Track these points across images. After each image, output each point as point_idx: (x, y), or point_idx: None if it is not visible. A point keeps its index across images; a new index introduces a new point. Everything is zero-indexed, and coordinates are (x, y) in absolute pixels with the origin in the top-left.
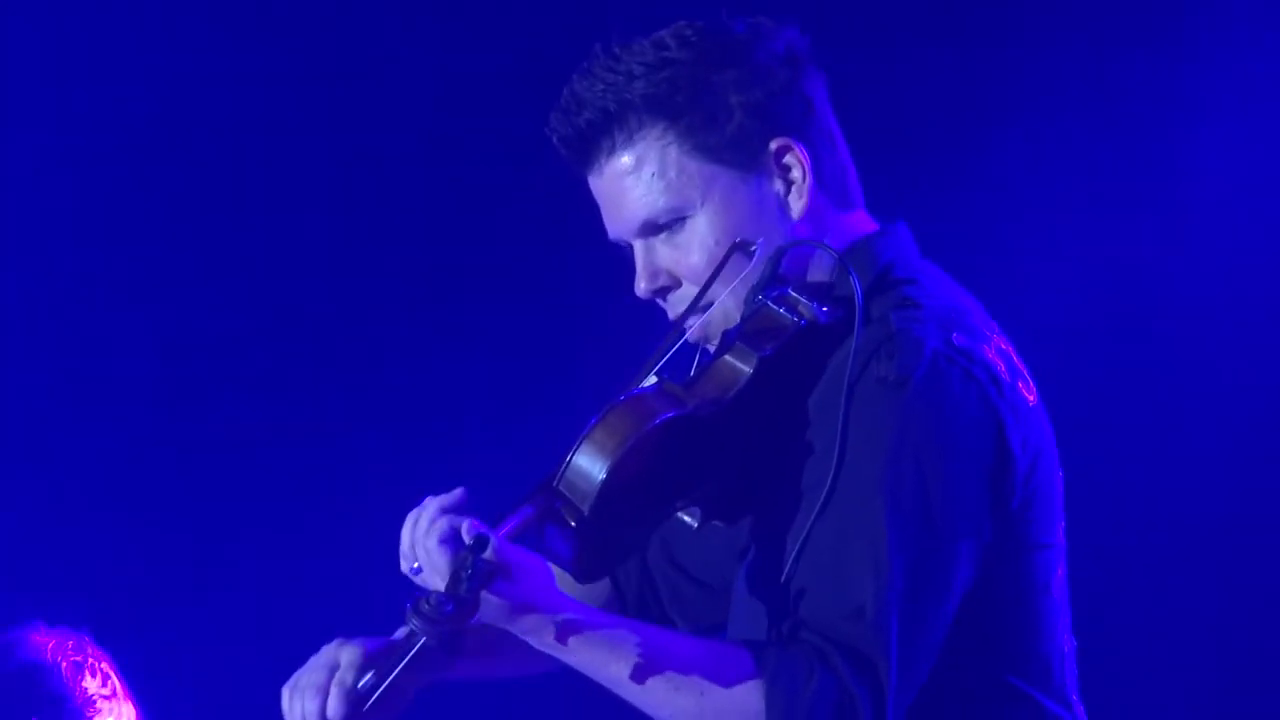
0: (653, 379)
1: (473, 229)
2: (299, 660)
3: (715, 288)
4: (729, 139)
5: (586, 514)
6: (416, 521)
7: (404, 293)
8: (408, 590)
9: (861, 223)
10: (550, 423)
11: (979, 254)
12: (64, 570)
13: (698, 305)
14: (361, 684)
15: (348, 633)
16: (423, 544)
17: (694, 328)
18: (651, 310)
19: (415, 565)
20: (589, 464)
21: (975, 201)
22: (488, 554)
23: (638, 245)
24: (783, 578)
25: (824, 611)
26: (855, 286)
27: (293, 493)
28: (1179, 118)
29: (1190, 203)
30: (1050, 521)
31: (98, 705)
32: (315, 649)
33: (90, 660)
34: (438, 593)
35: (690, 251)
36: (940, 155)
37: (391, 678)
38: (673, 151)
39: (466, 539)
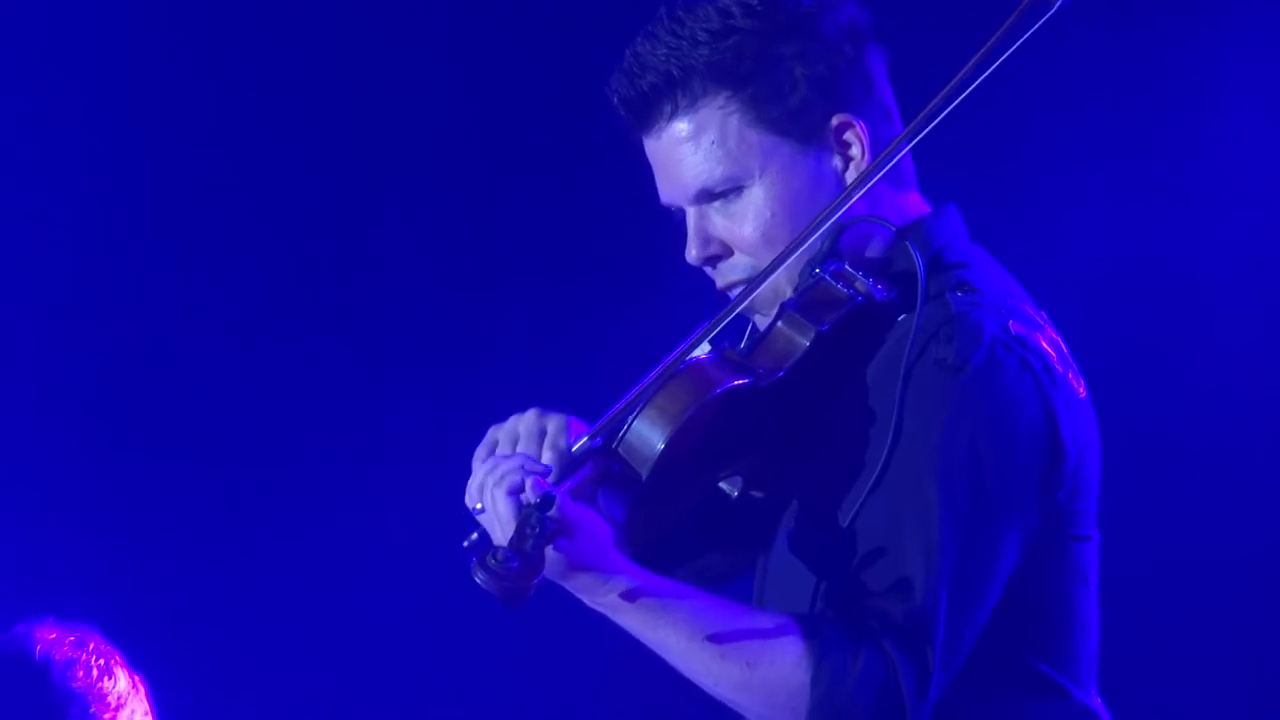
0: (707, 346)
1: (479, 225)
2: (306, 655)
3: (784, 269)
4: (791, 112)
5: (645, 478)
6: (490, 468)
7: (408, 292)
8: (426, 572)
9: (915, 203)
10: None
11: (997, 243)
12: (71, 567)
13: (757, 278)
14: (577, 447)
15: (354, 629)
16: (491, 491)
17: (746, 298)
18: (661, 309)
19: (479, 506)
20: (650, 429)
21: (993, 191)
22: (553, 512)
23: (691, 211)
24: (829, 553)
25: (874, 589)
26: (919, 266)
27: (300, 490)
28: (1199, 107)
29: (1211, 192)
30: (1090, 514)
31: (109, 701)
32: (321, 645)
33: (100, 657)
34: (504, 548)
35: (745, 221)
36: (957, 146)
37: (623, 431)
38: (734, 121)
39: (533, 496)
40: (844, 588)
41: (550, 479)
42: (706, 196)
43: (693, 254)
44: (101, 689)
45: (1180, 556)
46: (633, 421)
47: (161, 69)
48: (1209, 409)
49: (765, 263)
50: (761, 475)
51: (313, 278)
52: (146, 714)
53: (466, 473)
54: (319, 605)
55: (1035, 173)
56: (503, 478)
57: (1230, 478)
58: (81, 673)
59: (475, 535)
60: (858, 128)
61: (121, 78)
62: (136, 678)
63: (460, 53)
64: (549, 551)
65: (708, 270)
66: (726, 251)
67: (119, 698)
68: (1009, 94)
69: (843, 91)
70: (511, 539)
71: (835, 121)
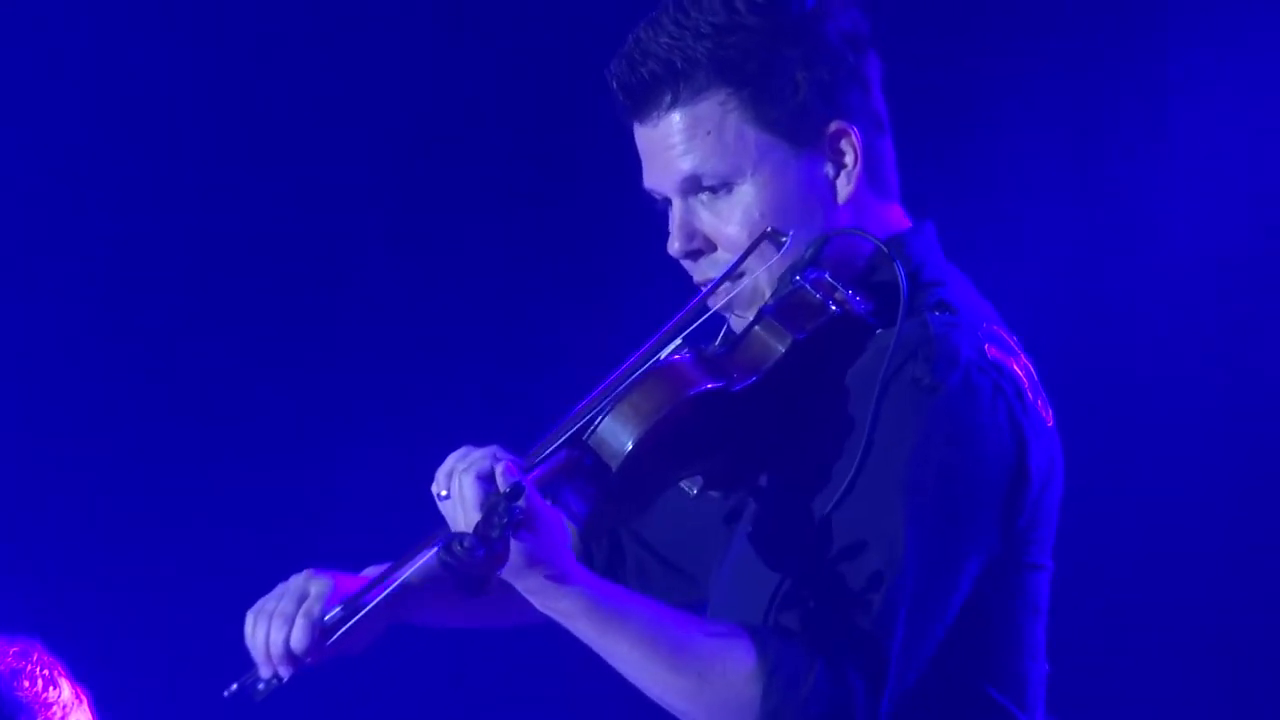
0: (678, 343)
1: (466, 228)
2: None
3: (752, 261)
4: (789, 114)
5: (614, 472)
6: (462, 454)
7: (389, 295)
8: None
9: (897, 216)
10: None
11: (960, 251)
12: (10, 576)
13: (731, 274)
14: (329, 617)
15: None
16: (459, 475)
17: (721, 296)
18: (638, 308)
19: (444, 493)
20: (623, 425)
21: (956, 199)
22: (521, 502)
23: (676, 202)
24: (788, 562)
25: (832, 602)
26: (903, 283)
27: (256, 495)
28: (1160, 112)
29: (1171, 198)
30: (1047, 543)
31: (53, 711)
32: None
33: (44, 667)
34: (470, 535)
35: (731, 219)
36: (921, 152)
37: (363, 613)
38: (733, 117)
39: (502, 484)
40: (801, 599)
41: (521, 469)
42: (695, 186)
43: (675, 246)
44: (47, 699)
45: (1134, 562)
46: (605, 416)
47: (157, 67)
48: (1167, 413)
49: (748, 263)
50: (723, 477)
51: (294, 281)
52: None
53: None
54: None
55: (994, 174)
56: (473, 463)
57: (1189, 481)
58: (28, 683)
59: (235, 686)
60: (853, 135)
61: (111, 74)
62: (79, 689)
63: (443, 51)
64: (511, 543)
65: (686, 264)
66: (709, 247)
67: (64, 708)
68: (968, 100)
69: (841, 98)
70: (478, 526)
71: (832, 128)
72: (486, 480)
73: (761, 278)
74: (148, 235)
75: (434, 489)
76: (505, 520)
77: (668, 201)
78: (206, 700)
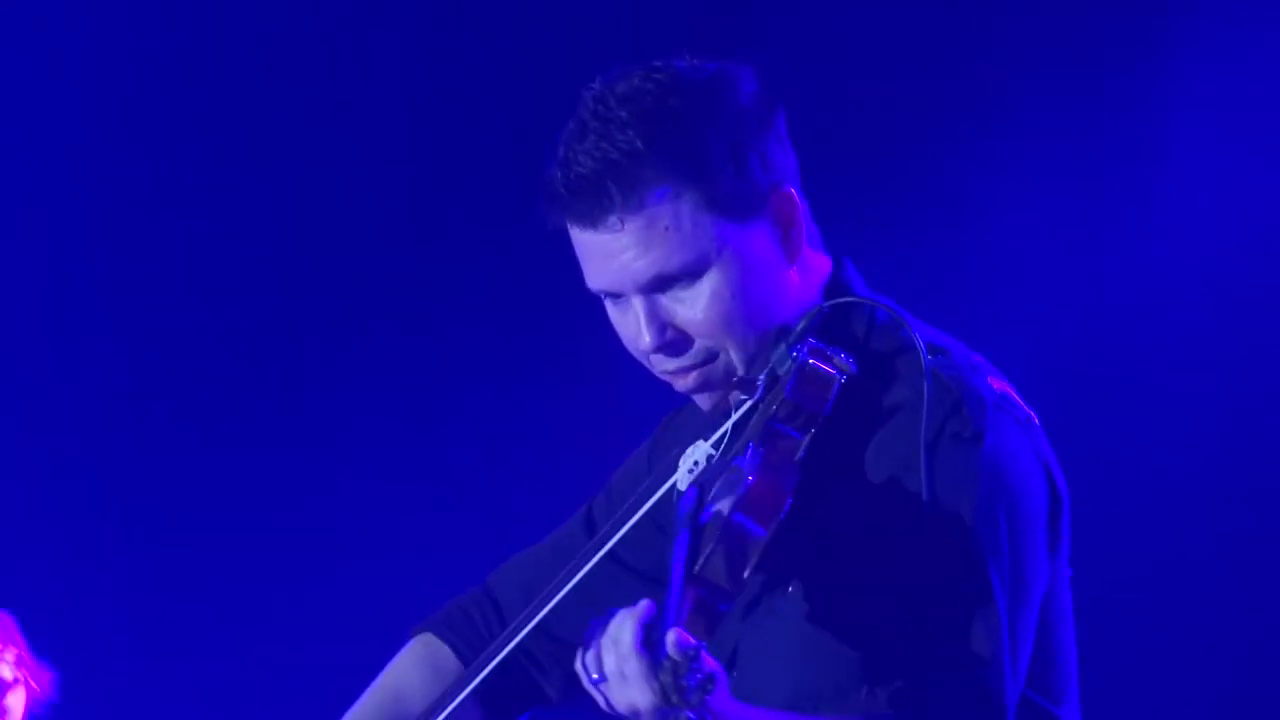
0: (704, 445)
1: (466, 231)
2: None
3: (739, 348)
4: (736, 191)
5: (733, 596)
6: (614, 636)
7: (390, 295)
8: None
9: (823, 261)
10: (535, 424)
11: (956, 256)
12: (10, 576)
13: (749, 369)
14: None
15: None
16: (613, 653)
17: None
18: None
19: (596, 675)
20: (732, 559)
21: (951, 204)
22: (699, 660)
23: (638, 300)
24: (867, 633)
25: (938, 666)
26: (920, 345)
27: (255, 496)
28: (1157, 115)
29: (1168, 200)
30: (1068, 551)
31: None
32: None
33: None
34: (685, 711)
35: (703, 306)
36: (914, 157)
37: None
38: (686, 207)
39: (674, 651)
40: (898, 666)
41: (675, 624)
42: (661, 284)
43: (647, 342)
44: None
45: (1129, 559)
46: (712, 549)
47: (160, 68)
48: (1166, 416)
49: (723, 345)
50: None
51: (293, 282)
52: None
53: (447, 477)
54: (254, 613)
55: (990, 186)
56: (622, 637)
57: (1188, 482)
58: None
59: None
60: (793, 196)
61: (106, 72)
62: (35, 675)
63: (439, 51)
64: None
65: (653, 358)
66: (682, 338)
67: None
68: (965, 105)
69: (775, 161)
70: (675, 698)
71: (774, 194)
72: (649, 649)
73: (743, 354)
74: (148, 235)
75: (584, 672)
76: (700, 680)
77: (614, 296)
78: (206, 700)
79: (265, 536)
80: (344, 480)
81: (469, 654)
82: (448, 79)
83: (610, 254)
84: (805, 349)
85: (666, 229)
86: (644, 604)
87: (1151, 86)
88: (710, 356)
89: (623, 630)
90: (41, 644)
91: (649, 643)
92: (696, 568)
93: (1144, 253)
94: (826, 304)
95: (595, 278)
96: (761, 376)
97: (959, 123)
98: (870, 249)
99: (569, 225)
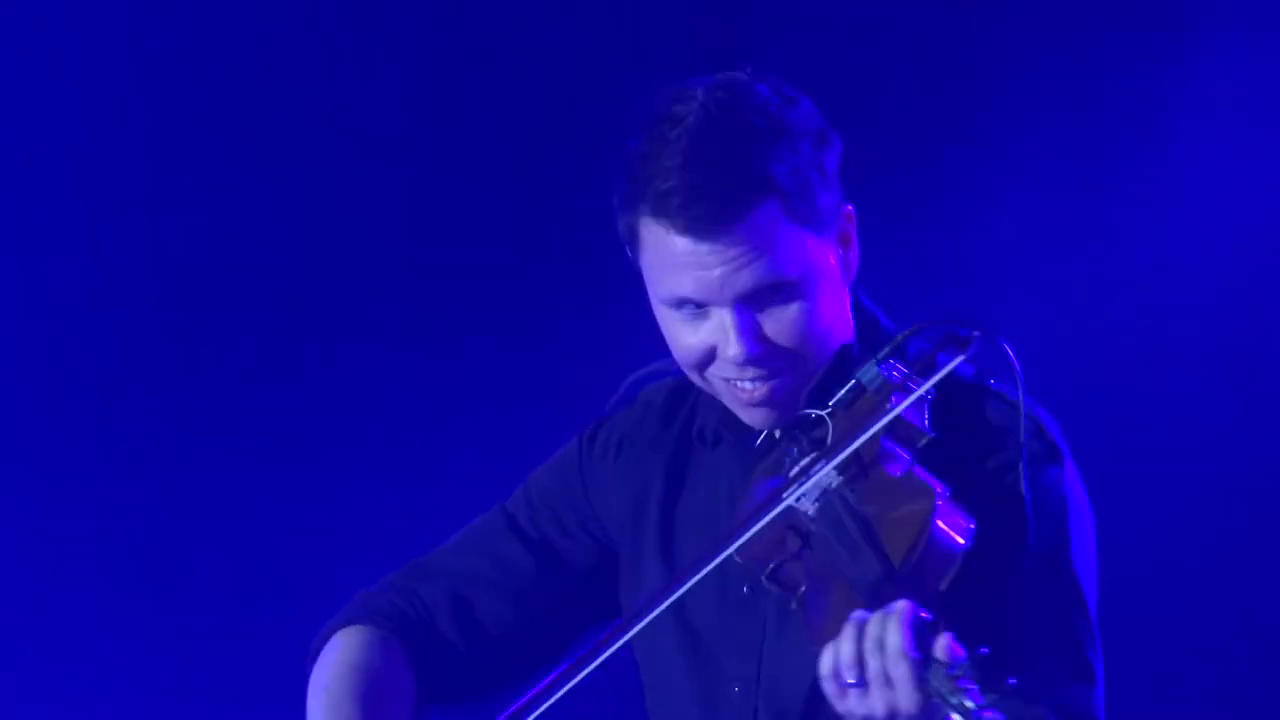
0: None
1: (467, 229)
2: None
3: (815, 362)
4: (820, 208)
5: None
6: (877, 634)
7: (390, 295)
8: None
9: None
10: (535, 424)
11: (963, 256)
12: (10, 577)
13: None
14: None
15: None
16: (878, 657)
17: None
18: (635, 312)
19: (854, 679)
20: (939, 558)
21: (961, 202)
22: (973, 665)
23: (730, 311)
24: (970, 636)
25: (1065, 680)
26: (1013, 360)
27: (256, 496)
28: (1167, 116)
29: (1176, 198)
30: None
31: None
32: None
33: None
34: (989, 710)
35: (795, 319)
36: (921, 157)
37: None
38: (786, 220)
39: (943, 655)
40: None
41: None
42: (757, 296)
43: (741, 351)
44: None
45: (1149, 558)
46: (921, 549)
47: (160, 68)
48: (1175, 417)
49: (804, 357)
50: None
51: (293, 281)
52: None
53: (448, 475)
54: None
55: (999, 184)
56: (888, 637)
57: (1196, 486)
58: None
59: None
60: (852, 214)
61: (105, 71)
62: None
63: (439, 48)
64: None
65: (733, 368)
66: (770, 349)
67: None
68: (972, 103)
69: (840, 181)
70: (952, 701)
71: (844, 212)
72: (919, 652)
73: (811, 370)
74: (148, 235)
75: (835, 678)
76: (982, 684)
77: (696, 306)
78: (206, 700)
79: (265, 536)
80: (344, 480)
81: (419, 658)
82: (449, 79)
83: (712, 264)
84: (897, 368)
85: (769, 242)
86: (903, 604)
87: (1161, 83)
88: (788, 368)
89: (888, 633)
90: (37, 645)
91: (919, 645)
92: (943, 585)
93: (1153, 252)
94: (923, 323)
95: (683, 286)
96: (841, 393)
97: (965, 122)
98: (877, 250)
99: (668, 234)
